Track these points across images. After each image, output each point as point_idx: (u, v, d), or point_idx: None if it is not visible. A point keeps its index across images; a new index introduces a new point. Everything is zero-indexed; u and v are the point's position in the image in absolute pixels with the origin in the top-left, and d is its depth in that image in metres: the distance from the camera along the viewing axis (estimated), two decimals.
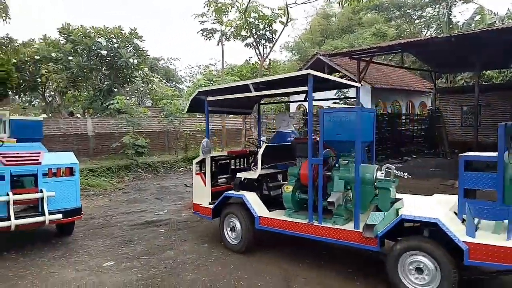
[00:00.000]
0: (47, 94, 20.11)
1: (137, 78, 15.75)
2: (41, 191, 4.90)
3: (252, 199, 4.89)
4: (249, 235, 4.90)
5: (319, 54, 18.35)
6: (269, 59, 11.55)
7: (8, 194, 4.67)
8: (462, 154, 3.87)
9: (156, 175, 12.52)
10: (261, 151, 5.09)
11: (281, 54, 40.76)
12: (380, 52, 13.03)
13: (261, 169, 5.01)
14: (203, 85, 29.24)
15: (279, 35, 11.66)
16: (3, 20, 7.88)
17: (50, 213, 4.91)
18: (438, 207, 3.89)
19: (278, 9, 12.05)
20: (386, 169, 4.11)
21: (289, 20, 11.60)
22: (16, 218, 4.68)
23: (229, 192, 5.16)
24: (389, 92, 18.38)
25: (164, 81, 32.73)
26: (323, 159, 4.27)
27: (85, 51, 14.85)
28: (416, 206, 3.98)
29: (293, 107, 20.88)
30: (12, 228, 4.61)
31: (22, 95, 19.51)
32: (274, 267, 4.52)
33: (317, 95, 4.57)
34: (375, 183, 4.10)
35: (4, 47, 8.33)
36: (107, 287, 4.06)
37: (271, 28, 12.03)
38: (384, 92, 17.79)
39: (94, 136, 13.99)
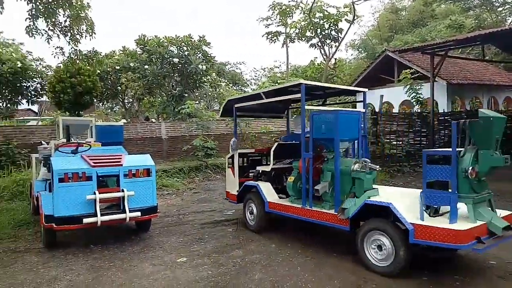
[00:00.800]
0: (126, 101, 21.85)
1: (205, 83, 16.47)
2: (123, 191, 5.36)
3: (264, 187, 5.98)
4: (262, 217, 6.01)
5: (388, 51, 17.57)
6: (335, 58, 11.30)
7: (95, 193, 5.17)
8: (425, 149, 4.34)
9: (224, 176, 12.93)
10: (272, 148, 6.20)
11: (346, 52, 39.75)
12: (457, 45, 12.12)
13: (273, 163, 6.14)
14: (267, 87, 29.69)
15: (345, 34, 11.41)
16: (90, 36, 8.75)
17: (130, 211, 5.34)
18: (405, 197, 4.52)
19: (344, 7, 11.80)
20: (363, 163, 4.78)
21: (355, 17, 11.31)
22: (101, 215, 5.17)
23: (249, 182, 6.31)
24: (468, 88, 16.90)
25: (231, 85, 33.73)
26: (317, 155, 5.24)
27: (159, 59, 15.87)
28: (386, 194, 4.62)
29: (360, 107, 20.24)
30: (98, 224, 5.09)
31: (104, 102, 21.42)
32: (344, 271, 4.43)
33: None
34: (352, 174, 4.79)
35: (90, 59, 9.26)
36: (180, 282, 4.30)
37: (336, 27, 11.82)
38: (461, 88, 16.42)
39: (167, 139, 14.89)
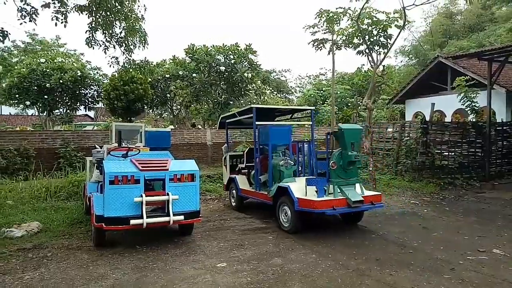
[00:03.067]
0: (174, 108, 22.65)
1: (250, 91, 16.68)
2: (168, 194, 5.55)
3: (239, 178, 8.64)
4: (238, 199, 8.65)
5: (441, 57, 16.76)
6: (383, 65, 10.96)
7: (142, 196, 5.40)
8: (318, 151, 8.08)
9: None
10: (245, 151, 9.28)
11: (396, 59, 38.32)
12: None
13: (246, 162, 8.98)
14: (312, 95, 29.47)
15: (395, 40, 11.00)
16: (143, 46, 9.22)
17: (174, 215, 5.52)
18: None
19: (394, 13, 11.42)
20: (285, 161, 7.14)
21: (406, 23, 10.91)
22: (147, 217, 5.38)
23: (232, 175, 8.94)
24: None
25: (275, 92, 33.89)
26: (264, 155, 7.87)
27: (206, 68, 16.34)
28: (298, 182, 6.84)
29: (409, 115, 19.47)
30: (144, 225, 5.31)
31: (154, 109, 22.35)
32: (386, 286, 4.26)
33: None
34: (279, 168, 7.15)
35: (142, 68, 9.75)
36: (219, 287, 4.36)
37: (385, 33, 11.44)
38: None
39: (212, 145, 15.22)
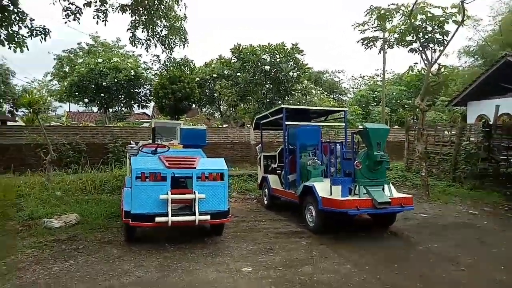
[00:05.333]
0: (222, 107, 22.83)
1: (296, 91, 16.25)
2: (194, 193, 5.37)
3: (271, 178, 8.68)
4: (270, 197, 8.61)
5: (509, 55, 15.11)
6: (438, 64, 10.04)
7: (167, 193, 5.27)
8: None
9: None
10: (277, 152, 9.42)
11: (459, 60, 35.42)
12: None
13: (278, 162, 9.10)
14: (363, 96, 28.30)
15: (452, 37, 10.02)
16: (183, 45, 9.23)
17: (200, 214, 5.32)
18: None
19: (451, 7, 10.41)
20: (313, 161, 7.22)
21: (465, 18, 9.89)
22: (173, 215, 5.23)
23: (264, 175, 9.05)
24: None
25: (326, 93, 32.96)
26: (293, 156, 7.79)
27: (252, 67, 16.16)
28: (323, 182, 6.74)
29: (471, 118, 17.84)
30: (169, 224, 5.16)
31: (202, 108, 22.69)
32: None
33: None
34: (307, 168, 7.19)
35: (182, 66, 9.77)
36: None
37: (442, 29, 10.48)
38: None
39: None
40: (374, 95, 29.16)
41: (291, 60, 16.20)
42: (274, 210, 8.46)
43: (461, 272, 4.70)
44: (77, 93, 22.03)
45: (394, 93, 28.39)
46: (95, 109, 39.51)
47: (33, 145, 11.48)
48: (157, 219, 5.13)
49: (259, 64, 15.60)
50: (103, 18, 7.87)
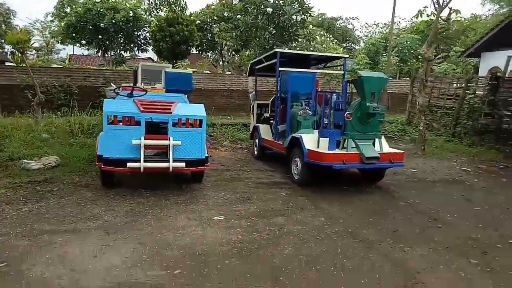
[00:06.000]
0: (225, 53, 22.01)
1: (300, 36, 15.42)
2: (169, 139, 5.15)
3: (262, 128, 8.34)
4: (260, 147, 8.40)
5: None
6: (450, 8, 9.24)
7: (141, 139, 5.05)
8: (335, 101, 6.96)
9: None
10: (270, 101, 8.74)
11: (483, 8, 33.28)
12: None
13: (270, 111, 8.57)
14: (373, 44, 26.98)
15: None
16: None
17: (174, 161, 5.14)
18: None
19: None
20: (304, 111, 6.70)
21: None
22: (146, 161, 5.06)
23: (256, 124, 8.74)
24: None
25: (336, 41, 31.51)
26: (284, 105, 7.35)
27: (254, 10, 15.24)
28: (313, 134, 6.30)
29: (484, 71, 16.99)
30: (141, 169, 5.00)
31: (203, 53, 21.89)
32: (391, 265, 3.59)
33: None
34: (297, 118, 6.72)
35: (172, 5, 9.12)
36: (205, 241, 3.98)
37: None
38: None
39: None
40: (386, 44, 27.80)
41: (296, 2, 15.20)
42: (263, 161, 8.29)
43: (437, 229, 4.55)
44: (74, 35, 21.31)
45: (408, 42, 27.01)
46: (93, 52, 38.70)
47: (23, 86, 11.22)
48: (129, 164, 4.97)
49: (261, 6, 14.69)
50: None
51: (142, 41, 22.58)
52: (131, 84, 6.79)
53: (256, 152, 8.72)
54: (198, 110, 5.51)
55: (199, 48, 20.72)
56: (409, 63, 26.28)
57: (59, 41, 30.10)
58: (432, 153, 9.44)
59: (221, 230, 4.31)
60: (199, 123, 5.43)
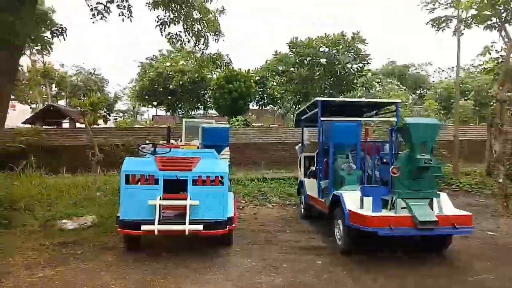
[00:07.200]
0: (284, 107, 22.07)
1: (357, 85, 14.80)
2: (187, 199, 4.77)
3: (307, 183, 7.56)
4: (306, 204, 7.58)
5: None
6: None
7: (159, 199, 4.74)
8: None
9: None
10: (315, 153, 7.58)
11: None
12: None
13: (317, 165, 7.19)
14: (445, 89, 25.08)
15: None
16: (217, 37, 8.73)
17: (191, 223, 4.70)
18: None
19: None
20: (348, 166, 6.09)
21: None
22: (163, 223, 4.70)
23: (302, 179, 8.01)
24: None
25: (403, 87, 30.03)
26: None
27: (309, 62, 15.18)
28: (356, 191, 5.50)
29: None
30: (156, 232, 4.64)
31: (262, 107, 22.15)
32: None
33: None
34: (340, 173, 6.08)
35: (216, 61, 9.31)
36: None
37: None
38: None
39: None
40: (461, 88, 25.69)
41: (352, 51, 14.83)
42: (309, 221, 7.48)
43: None
44: (147, 97, 23.19)
45: (486, 85, 24.66)
46: (162, 112, 41.34)
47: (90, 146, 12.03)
48: (143, 227, 4.64)
49: (315, 58, 14.57)
50: (127, 15, 7.75)
51: (208, 99, 23.71)
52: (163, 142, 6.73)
53: (302, 210, 7.92)
54: (219, 166, 5.11)
55: (260, 103, 21.04)
56: (491, 107, 23.79)
57: (140, 104, 33.07)
58: None
59: None
60: (221, 180, 5.00)
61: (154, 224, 4.64)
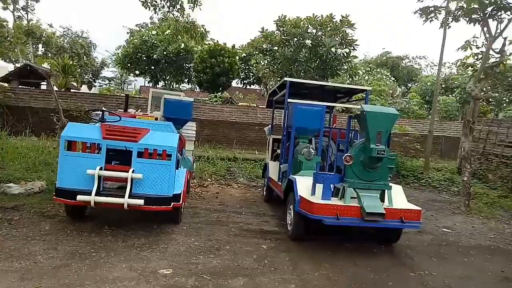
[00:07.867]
0: (269, 87, 21.68)
1: (341, 71, 14.51)
2: (133, 171, 4.51)
3: (271, 166, 7.32)
4: (268, 188, 7.44)
5: None
6: (504, 38, 7.87)
7: (99, 169, 4.47)
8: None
9: None
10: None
11: None
12: None
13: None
14: (432, 84, 25.01)
15: None
16: (193, 5, 8.25)
17: (131, 197, 4.47)
18: None
19: None
20: (308, 150, 5.88)
21: None
22: (101, 195, 4.46)
23: (266, 161, 7.96)
24: None
25: (393, 79, 29.93)
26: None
27: (296, 42, 14.74)
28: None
29: None
30: (92, 204, 4.38)
31: (246, 86, 21.75)
32: None
33: None
34: (299, 158, 5.96)
35: (190, 31, 8.85)
36: None
37: None
38: None
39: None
40: (448, 84, 25.67)
41: (339, 34, 14.41)
42: (270, 204, 7.34)
43: None
44: (129, 65, 22.48)
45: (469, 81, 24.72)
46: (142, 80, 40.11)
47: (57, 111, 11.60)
48: (79, 197, 4.39)
49: (302, 38, 14.14)
50: None
51: (193, 72, 23.12)
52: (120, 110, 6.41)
53: (264, 193, 7.77)
54: (169, 140, 4.85)
55: (245, 81, 20.61)
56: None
57: (127, 72, 32.17)
58: (479, 210, 7.77)
59: None
60: (168, 154, 4.75)
61: (91, 195, 4.39)
